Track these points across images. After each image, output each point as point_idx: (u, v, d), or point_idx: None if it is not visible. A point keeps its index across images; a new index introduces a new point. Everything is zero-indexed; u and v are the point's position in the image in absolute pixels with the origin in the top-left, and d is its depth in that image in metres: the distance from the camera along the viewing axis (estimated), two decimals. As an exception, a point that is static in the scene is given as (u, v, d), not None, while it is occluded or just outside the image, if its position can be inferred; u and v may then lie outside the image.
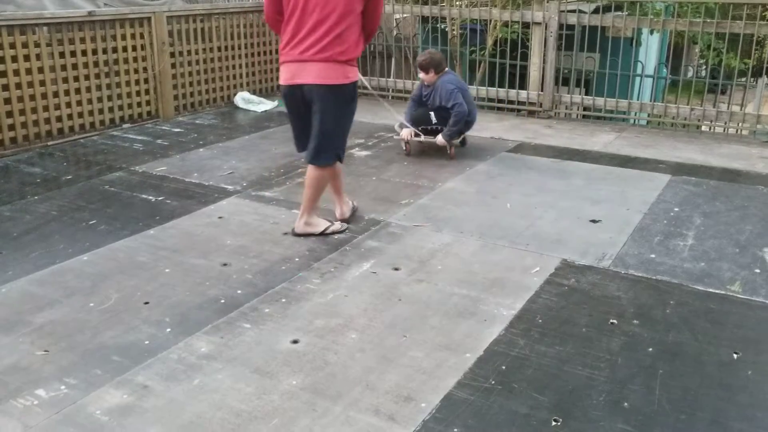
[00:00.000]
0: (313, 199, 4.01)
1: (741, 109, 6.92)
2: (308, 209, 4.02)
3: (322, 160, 3.90)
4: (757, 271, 3.57)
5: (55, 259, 3.70)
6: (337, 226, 4.10)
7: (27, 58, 5.78)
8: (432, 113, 5.62)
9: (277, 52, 8.38)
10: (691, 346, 2.88)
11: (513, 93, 7.40)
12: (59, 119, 6.13)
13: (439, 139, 5.53)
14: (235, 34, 7.73)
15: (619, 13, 7.17)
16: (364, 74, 8.30)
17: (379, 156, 5.74)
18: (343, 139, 3.96)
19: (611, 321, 3.07)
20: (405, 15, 8.40)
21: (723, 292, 3.34)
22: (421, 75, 5.67)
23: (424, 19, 8.38)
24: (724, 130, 6.77)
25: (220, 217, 4.33)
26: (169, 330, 2.99)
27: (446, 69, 5.71)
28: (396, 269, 3.60)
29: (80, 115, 6.30)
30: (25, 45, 5.75)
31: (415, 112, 5.75)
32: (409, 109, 5.83)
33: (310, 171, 3.95)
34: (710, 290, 3.36)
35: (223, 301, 3.26)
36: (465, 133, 5.81)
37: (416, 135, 5.66)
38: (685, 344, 2.89)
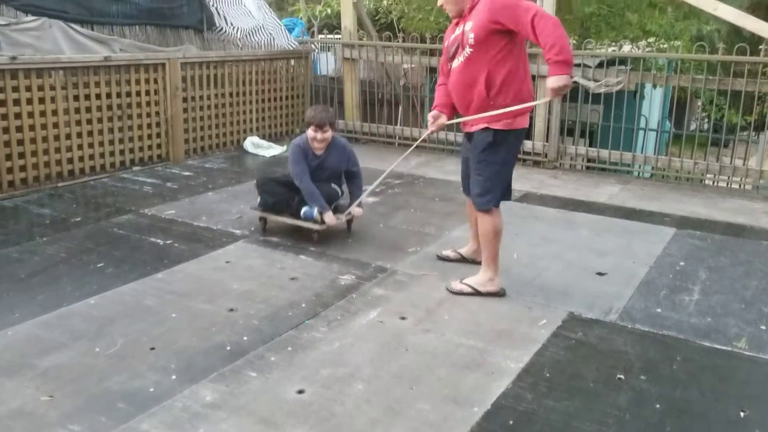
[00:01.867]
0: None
1: (744, 164, 6.99)
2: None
3: None
4: (763, 327, 3.56)
5: (62, 301, 3.72)
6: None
7: (42, 100, 5.89)
8: (334, 185, 4.89)
9: (288, 98, 8.52)
10: (698, 403, 2.86)
11: (518, 143, 7.47)
12: (70, 161, 6.21)
13: (358, 211, 4.85)
14: (246, 80, 7.88)
15: (623, 67, 7.29)
16: (373, 121, 8.43)
17: (386, 202, 5.79)
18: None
19: (619, 376, 3.06)
20: (413, 65, 8.57)
21: (729, 349, 3.33)
22: (327, 134, 4.73)
23: (432, 70, 8.52)
24: (728, 184, 6.82)
25: (227, 262, 4.35)
26: (174, 377, 2.99)
27: None
28: (403, 318, 3.60)
29: (91, 157, 6.38)
30: (40, 88, 5.86)
31: (322, 191, 4.71)
32: (314, 188, 4.66)
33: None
34: (716, 346, 3.35)
35: (229, 347, 3.26)
36: None
37: (346, 213, 4.80)
38: (693, 401, 2.88)
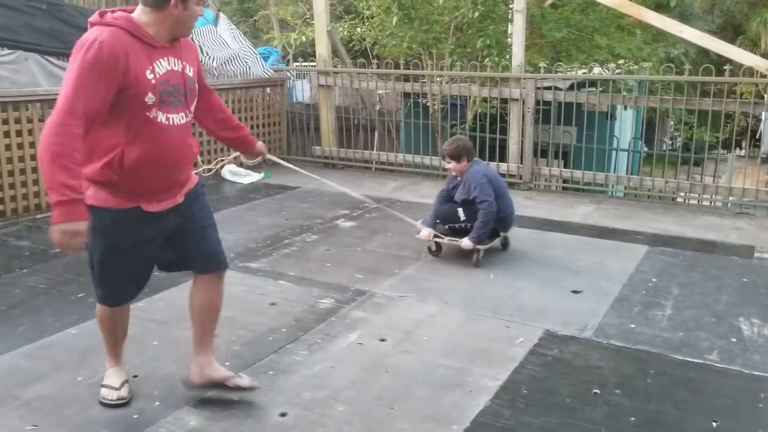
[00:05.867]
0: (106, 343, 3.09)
1: (714, 182, 7.17)
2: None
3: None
4: (734, 340, 3.67)
5: (44, 332, 3.72)
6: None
7: (19, 133, 5.92)
8: (460, 209, 4.95)
9: (264, 125, 8.60)
10: (671, 415, 2.94)
11: (493, 165, 7.59)
12: (48, 192, 6.20)
13: (465, 242, 4.78)
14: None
15: (593, 89, 7.48)
16: (349, 147, 8.52)
17: (363, 227, 5.85)
18: (96, 277, 2.87)
19: (594, 391, 3.13)
20: (387, 91, 8.69)
21: (701, 361, 3.43)
22: (451, 165, 4.97)
23: (406, 95, 8.67)
24: (698, 202, 6.99)
25: (207, 289, 4.37)
26: (158, 403, 3.01)
27: (476, 158, 5.07)
28: (382, 340, 3.65)
29: (69, 187, 6.37)
30: (17, 120, 5.89)
31: (440, 207, 5.08)
32: (435, 204, 5.14)
33: None
34: (689, 359, 3.45)
35: (211, 373, 3.28)
36: (505, 234, 5.15)
37: (436, 236, 4.97)
38: (666, 413, 2.96)
